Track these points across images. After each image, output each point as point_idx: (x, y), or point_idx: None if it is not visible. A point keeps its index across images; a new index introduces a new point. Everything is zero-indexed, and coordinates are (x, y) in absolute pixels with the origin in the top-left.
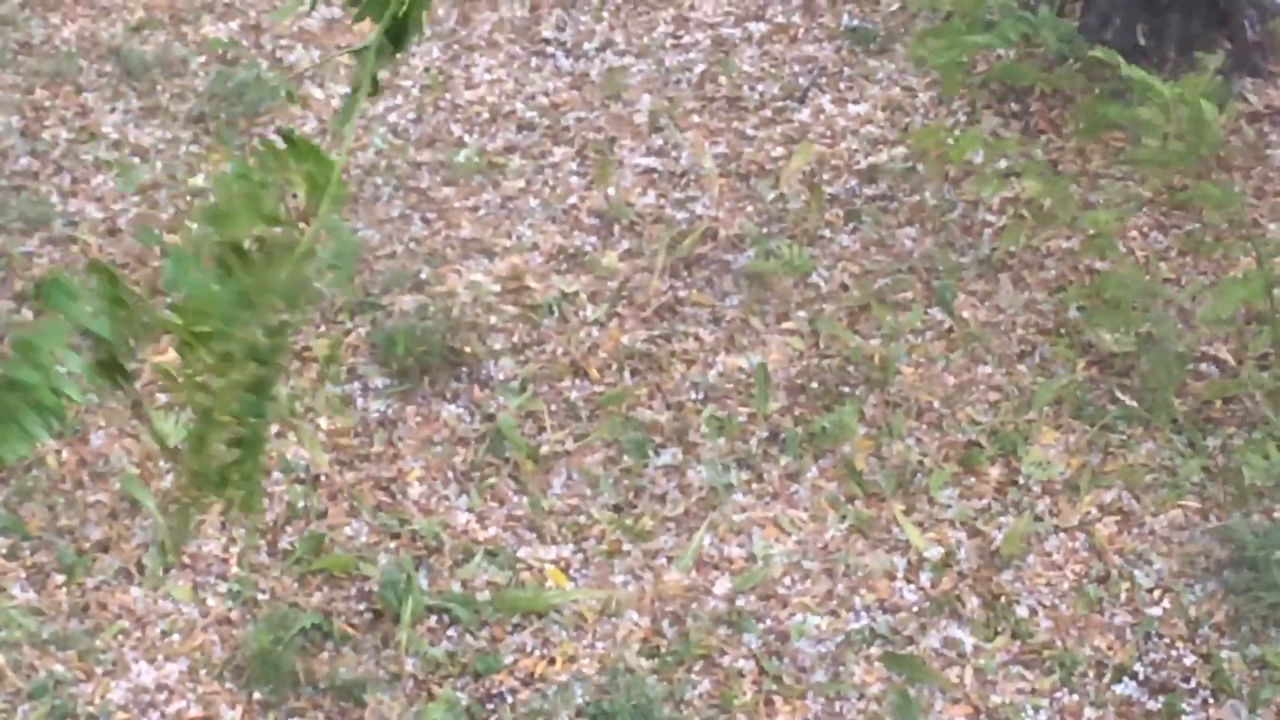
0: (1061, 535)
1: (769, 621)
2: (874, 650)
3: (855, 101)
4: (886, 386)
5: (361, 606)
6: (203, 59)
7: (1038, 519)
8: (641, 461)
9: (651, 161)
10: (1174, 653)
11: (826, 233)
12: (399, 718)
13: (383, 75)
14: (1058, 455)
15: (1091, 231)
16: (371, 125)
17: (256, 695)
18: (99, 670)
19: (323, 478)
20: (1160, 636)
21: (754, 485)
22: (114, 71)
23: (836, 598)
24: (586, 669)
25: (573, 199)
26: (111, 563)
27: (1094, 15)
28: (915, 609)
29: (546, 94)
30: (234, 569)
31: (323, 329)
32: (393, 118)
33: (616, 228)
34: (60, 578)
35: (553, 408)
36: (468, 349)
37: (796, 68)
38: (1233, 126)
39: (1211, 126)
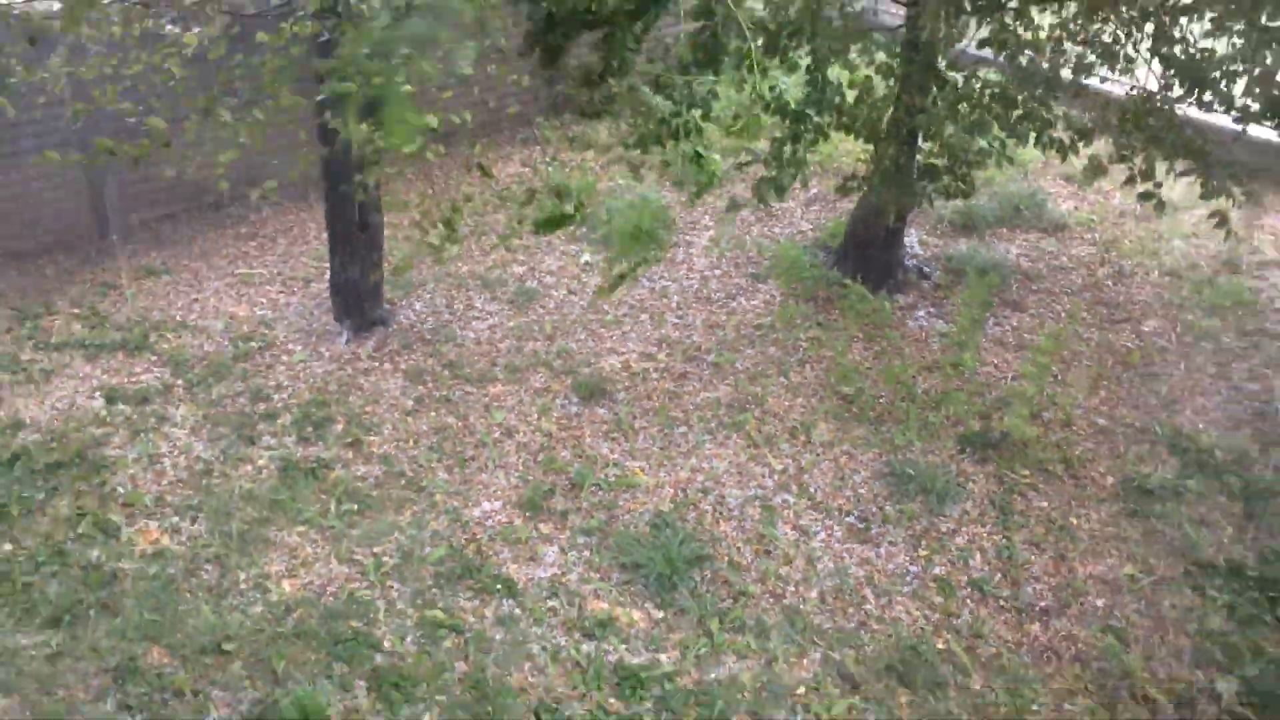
0: None
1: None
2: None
3: (752, 300)
4: None
5: (565, 482)
6: None
7: None
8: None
9: None
10: None
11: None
12: None
13: None
14: None
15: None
16: None
17: None
18: None
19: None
20: None
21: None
22: None
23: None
24: (650, 507)
25: None
26: None
27: (841, 266)
28: None
29: None
30: None
31: None
32: None
33: None
34: None
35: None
36: None
37: (737, 273)
38: (894, 312)
39: (886, 313)
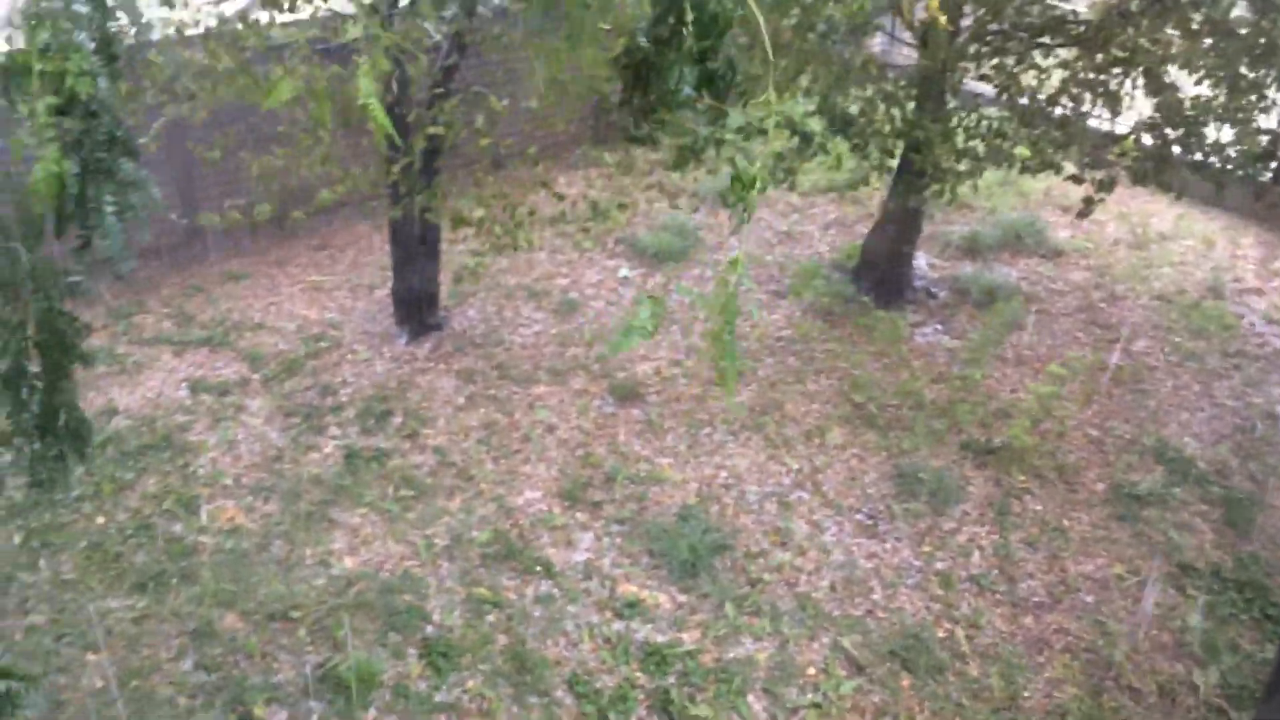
0: None
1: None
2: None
3: (773, 315)
4: None
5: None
6: None
7: None
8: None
9: None
10: None
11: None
12: None
13: None
14: None
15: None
16: None
17: None
18: None
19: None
20: None
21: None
22: None
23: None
24: (677, 500)
25: None
26: None
27: (856, 285)
28: None
29: None
30: None
31: None
32: None
33: None
34: None
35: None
36: None
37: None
38: (904, 329)
39: (897, 329)
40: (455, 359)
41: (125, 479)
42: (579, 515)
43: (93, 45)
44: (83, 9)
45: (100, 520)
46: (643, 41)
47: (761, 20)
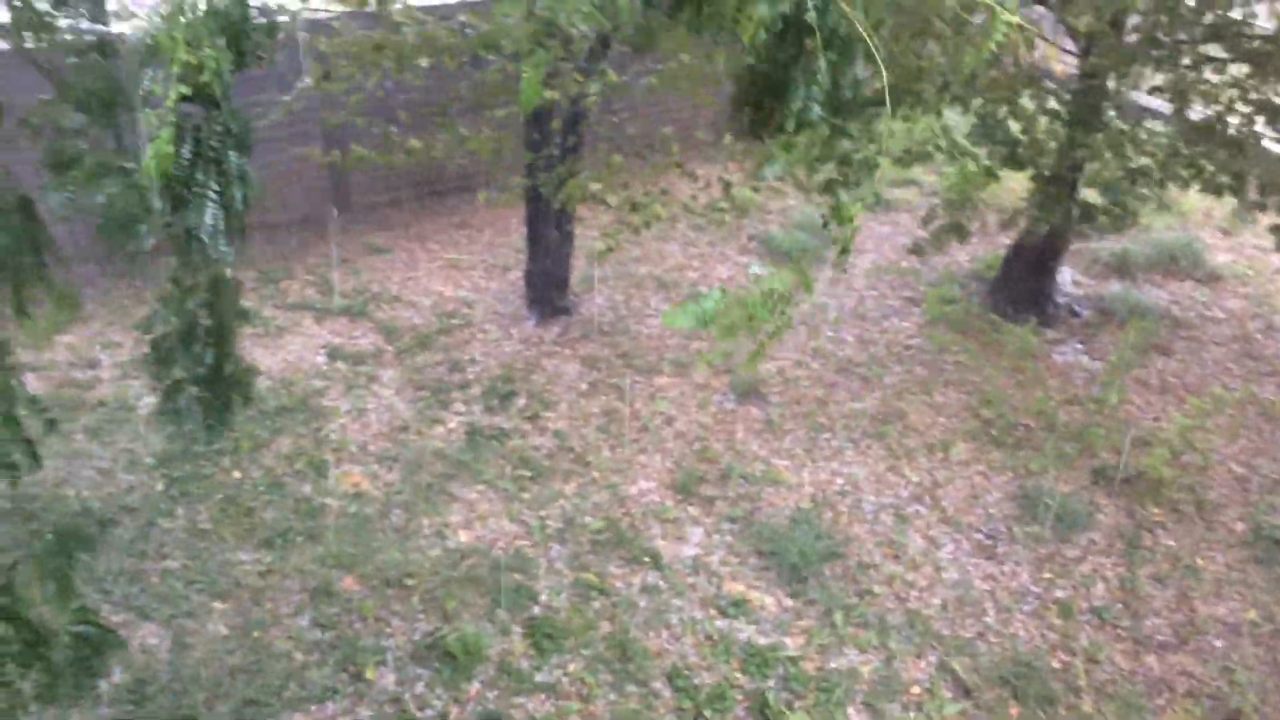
0: None
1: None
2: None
3: (904, 322)
4: None
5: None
6: None
7: None
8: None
9: None
10: None
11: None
12: None
13: None
14: None
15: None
16: None
17: None
18: None
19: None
20: None
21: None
22: None
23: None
24: (791, 503)
25: None
26: None
27: (994, 297)
28: None
29: None
30: None
31: None
32: None
33: None
34: None
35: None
36: None
37: (896, 301)
38: (1040, 346)
39: (1034, 345)
40: (581, 344)
41: (262, 438)
42: (691, 509)
43: (223, 41)
44: (221, 3)
45: (237, 475)
46: (756, 62)
47: (871, 40)
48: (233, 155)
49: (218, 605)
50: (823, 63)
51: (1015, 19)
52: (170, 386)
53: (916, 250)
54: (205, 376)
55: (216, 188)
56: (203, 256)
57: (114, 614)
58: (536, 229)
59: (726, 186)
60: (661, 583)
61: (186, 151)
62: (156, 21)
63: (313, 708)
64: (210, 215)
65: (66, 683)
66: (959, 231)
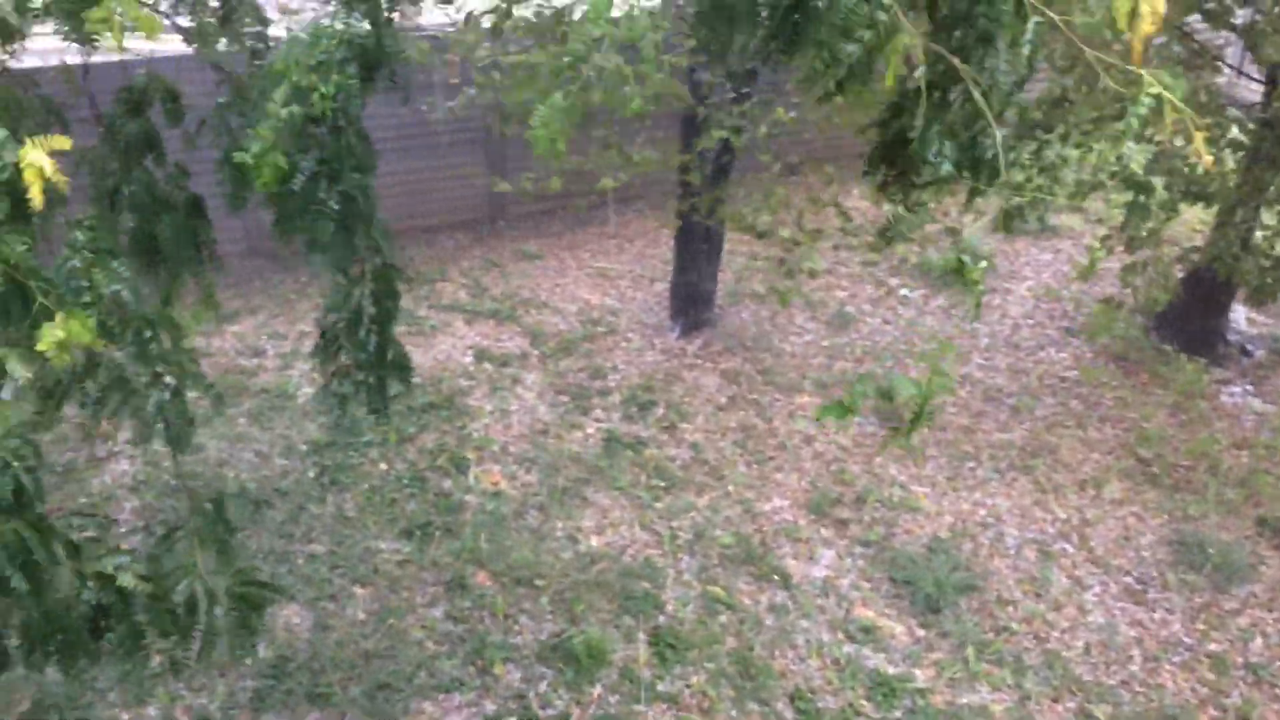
0: None
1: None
2: None
3: (1060, 353)
4: None
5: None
6: None
7: None
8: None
9: None
10: None
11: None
12: None
13: None
14: None
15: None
16: None
17: None
18: None
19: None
20: None
21: None
22: None
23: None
24: (929, 531)
25: None
26: None
27: (1159, 332)
28: None
29: None
30: None
31: None
32: None
33: None
34: None
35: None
36: None
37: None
38: (1207, 385)
39: (1200, 384)
40: (722, 358)
41: (408, 432)
42: (824, 531)
43: (354, 67)
44: (360, 28)
45: (383, 466)
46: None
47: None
48: (354, 175)
49: (358, 590)
50: (958, 117)
51: (1186, 112)
52: (337, 369)
53: (1107, 304)
54: (368, 360)
55: (337, 207)
56: (372, 249)
57: None
58: (686, 242)
59: (882, 232)
60: (789, 602)
61: (310, 166)
62: (290, 49)
63: (440, 697)
64: (326, 234)
65: (226, 642)
66: (1164, 279)
